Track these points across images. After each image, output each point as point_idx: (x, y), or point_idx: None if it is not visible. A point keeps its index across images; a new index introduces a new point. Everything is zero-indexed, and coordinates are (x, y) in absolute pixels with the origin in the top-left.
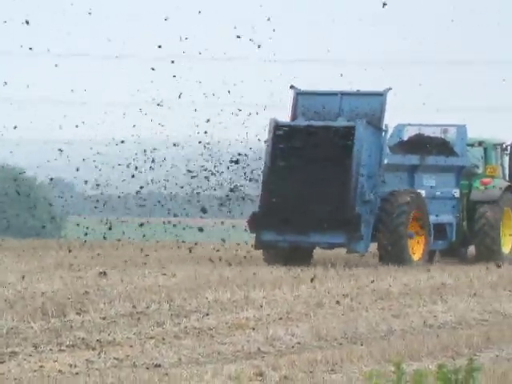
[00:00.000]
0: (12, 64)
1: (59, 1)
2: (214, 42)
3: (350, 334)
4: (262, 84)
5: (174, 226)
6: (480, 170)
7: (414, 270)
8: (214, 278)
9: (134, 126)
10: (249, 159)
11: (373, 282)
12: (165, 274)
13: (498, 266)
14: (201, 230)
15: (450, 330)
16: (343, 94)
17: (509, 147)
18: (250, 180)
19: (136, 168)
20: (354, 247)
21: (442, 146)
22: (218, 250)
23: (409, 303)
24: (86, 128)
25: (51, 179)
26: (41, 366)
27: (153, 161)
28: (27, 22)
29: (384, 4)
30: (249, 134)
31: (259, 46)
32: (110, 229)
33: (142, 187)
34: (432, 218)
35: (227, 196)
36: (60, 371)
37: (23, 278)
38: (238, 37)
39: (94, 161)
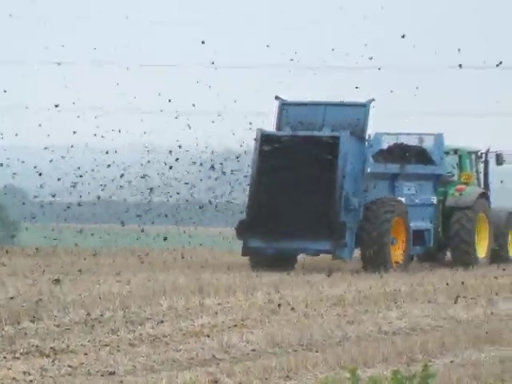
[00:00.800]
0: None
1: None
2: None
3: (305, 341)
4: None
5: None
6: (455, 177)
7: (369, 277)
8: (169, 285)
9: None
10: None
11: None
12: (119, 281)
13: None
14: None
15: (405, 337)
16: (327, 104)
17: (483, 155)
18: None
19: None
20: (339, 254)
21: (420, 155)
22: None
23: (364, 310)
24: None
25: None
26: None
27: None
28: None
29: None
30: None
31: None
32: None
33: (99, 197)
34: (411, 225)
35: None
36: (14, 379)
37: None
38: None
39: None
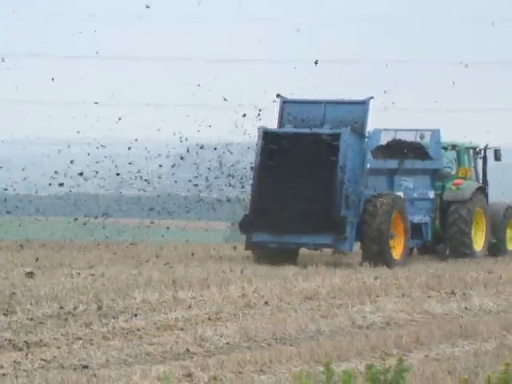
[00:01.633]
0: None
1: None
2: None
3: (279, 335)
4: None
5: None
6: (453, 172)
7: (343, 271)
8: (143, 278)
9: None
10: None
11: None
12: (93, 275)
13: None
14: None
15: (379, 331)
16: (327, 102)
17: (482, 151)
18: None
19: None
20: (340, 247)
21: (418, 150)
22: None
23: (337, 303)
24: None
25: None
26: None
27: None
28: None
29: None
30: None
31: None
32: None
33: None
34: (410, 219)
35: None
36: None
37: None
38: None
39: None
